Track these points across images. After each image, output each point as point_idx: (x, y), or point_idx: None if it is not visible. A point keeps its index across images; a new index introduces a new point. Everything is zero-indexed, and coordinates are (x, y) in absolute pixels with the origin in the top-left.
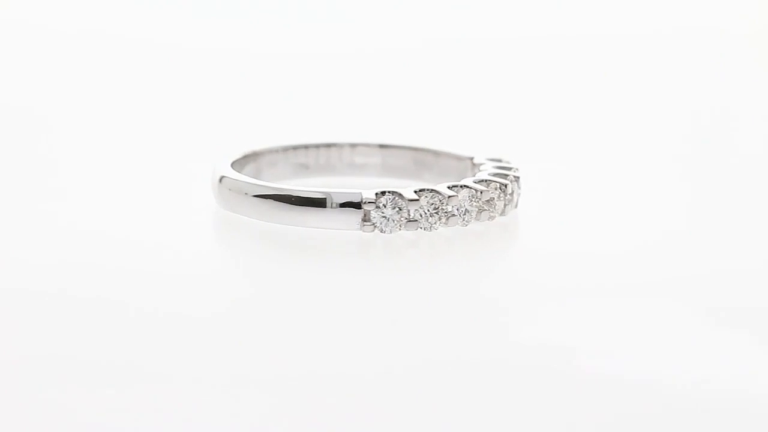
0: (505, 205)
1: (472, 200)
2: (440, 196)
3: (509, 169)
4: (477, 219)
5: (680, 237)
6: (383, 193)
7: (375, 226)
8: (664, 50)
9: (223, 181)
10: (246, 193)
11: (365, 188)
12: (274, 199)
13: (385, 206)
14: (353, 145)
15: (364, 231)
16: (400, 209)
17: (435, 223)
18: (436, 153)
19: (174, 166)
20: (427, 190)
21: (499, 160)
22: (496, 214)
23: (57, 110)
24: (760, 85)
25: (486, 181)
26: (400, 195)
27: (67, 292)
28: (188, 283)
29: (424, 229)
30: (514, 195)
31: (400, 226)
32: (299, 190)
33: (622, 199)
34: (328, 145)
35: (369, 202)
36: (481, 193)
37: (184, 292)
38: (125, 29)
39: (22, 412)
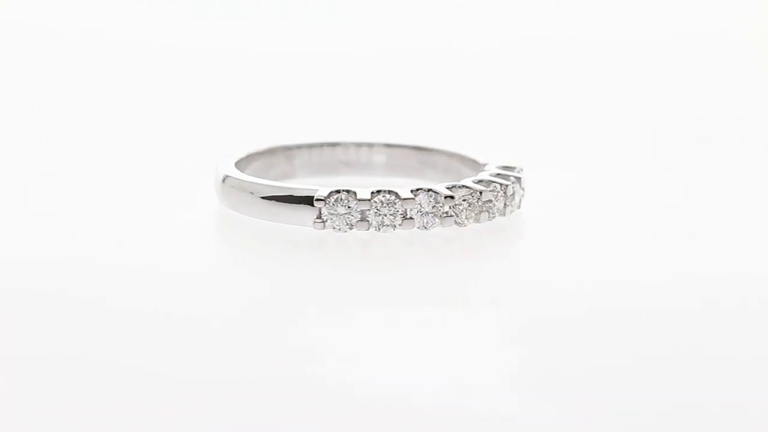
0: (479, 213)
1: (435, 205)
2: (397, 198)
3: (506, 177)
4: (441, 224)
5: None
6: (337, 191)
7: (325, 224)
8: (664, 50)
9: (227, 181)
10: (252, 193)
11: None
12: (261, 197)
13: (336, 204)
14: (358, 145)
15: (315, 228)
16: (350, 208)
17: (388, 224)
18: (449, 154)
19: (177, 166)
20: (385, 191)
21: (512, 168)
22: (465, 222)
23: (59, 110)
24: (760, 85)
25: (460, 186)
26: (354, 194)
27: (68, 292)
28: (190, 283)
29: (377, 230)
30: (495, 204)
31: (350, 225)
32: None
33: (613, 201)
34: (333, 145)
35: (319, 200)
36: (445, 198)
37: (185, 291)
38: (126, 29)
39: (25, 413)
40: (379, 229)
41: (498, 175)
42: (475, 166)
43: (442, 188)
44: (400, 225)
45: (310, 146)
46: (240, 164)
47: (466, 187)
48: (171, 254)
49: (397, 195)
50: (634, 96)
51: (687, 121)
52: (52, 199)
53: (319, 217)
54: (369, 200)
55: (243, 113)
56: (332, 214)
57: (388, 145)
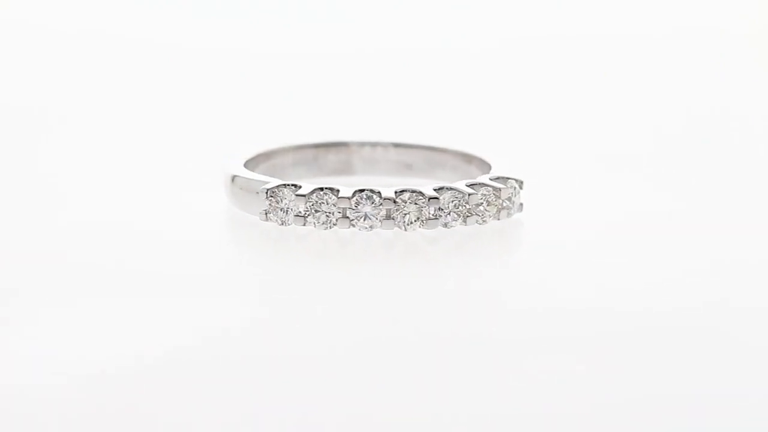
0: (425, 220)
1: (376, 206)
2: (333, 197)
3: (479, 186)
4: (382, 227)
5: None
6: (285, 185)
7: (267, 216)
8: (664, 50)
9: (236, 180)
10: (258, 192)
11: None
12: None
13: (276, 198)
14: (366, 144)
15: (260, 219)
16: (290, 203)
17: (323, 222)
18: (465, 156)
19: (186, 166)
20: (326, 188)
21: (505, 179)
22: (408, 227)
23: (60, 111)
24: (760, 85)
25: (412, 191)
26: (297, 188)
27: (71, 292)
28: (199, 283)
29: (314, 226)
30: (449, 212)
31: (288, 219)
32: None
33: (610, 202)
34: (341, 145)
35: (263, 192)
36: (384, 199)
37: (194, 291)
38: (130, 30)
39: (26, 414)
40: (316, 226)
41: (474, 185)
42: (483, 166)
43: (388, 191)
44: (335, 224)
45: (308, 147)
46: (250, 164)
47: (416, 192)
48: (175, 254)
49: (336, 193)
50: (633, 96)
51: (687, 122)
52: (59, 200)
53: (265, 209)
54: (305, 196)
55: (253, 113)
56: (274, 207)
57: (397, 145)
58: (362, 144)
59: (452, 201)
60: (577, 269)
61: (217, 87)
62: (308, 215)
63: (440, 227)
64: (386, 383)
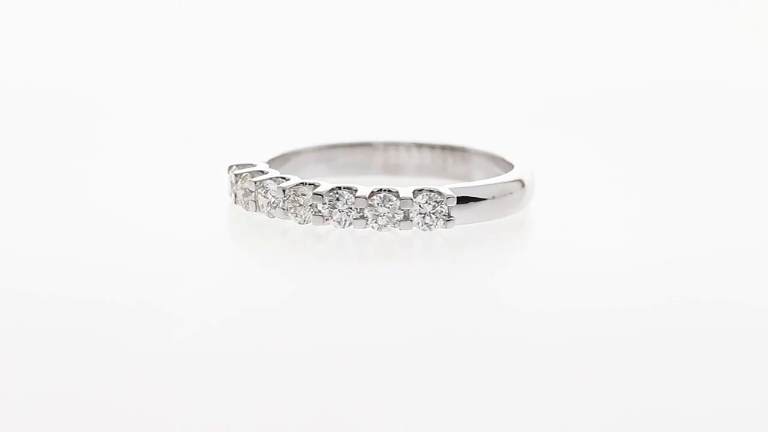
0: (311, 215)
1: (285, 198)
2: (249, 182)
3: (378, 192)
4: (281, 216)
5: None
6: (239, 166)
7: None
8: (664, 50)
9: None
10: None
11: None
12: None
13: (234, 181)
14: (388, 145)
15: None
16: (235, 183)
17: (250, 207)
18: (494, 158)
19: (188, 165)
20: (247, 174)
21: (434, 190)
22: (300, 220)
23: (65, 111)
24: (759, 85)
25: (307, 184)
26: (238, 175)
27: (75, 291)
28: (212, 284)
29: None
30: (342, 212)
31: (235, 200)
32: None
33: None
34: (363, 145)
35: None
36: (283, 190)
37: (209, 291)
38: (137, 30)
39: (29, 413)
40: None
41: (387, 189)
42: (502, 163)
43: (291, 180)
44: (254, 210)
45: (329, 147)
46: (273, 164)
47: (304, 184)
48: (181, 253)
49: (250, 175)
50: (633, 95)
51: (694, 123)
52: (55, 200)
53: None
54: (235, 183)
55: (271, 113)
56: (233, 188)
57: (418, 145)
58: (385, 144)
59: (345, 205)
60: (581, 270)
61: (221, 86)
62: (239, 196)
63: (323, 225)
64: (386, 384)
